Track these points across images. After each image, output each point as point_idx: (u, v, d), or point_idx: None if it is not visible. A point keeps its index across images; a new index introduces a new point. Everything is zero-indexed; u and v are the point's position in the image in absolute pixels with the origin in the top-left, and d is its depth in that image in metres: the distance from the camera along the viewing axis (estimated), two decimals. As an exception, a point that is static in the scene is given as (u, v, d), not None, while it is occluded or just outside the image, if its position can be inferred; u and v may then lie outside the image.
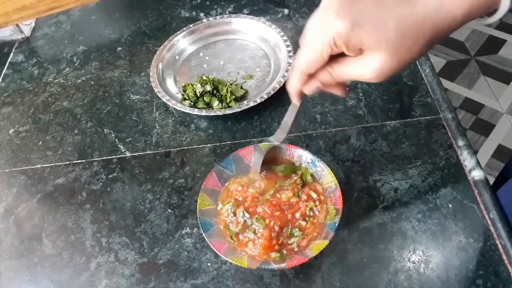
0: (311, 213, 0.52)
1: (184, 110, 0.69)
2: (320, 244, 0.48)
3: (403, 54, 0.38)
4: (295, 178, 0.54)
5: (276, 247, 0.50)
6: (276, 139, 0.55)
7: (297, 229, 0.51)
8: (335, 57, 0.41)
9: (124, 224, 0.60)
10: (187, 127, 0.70)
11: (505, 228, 0.52)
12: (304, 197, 0.53)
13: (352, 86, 0.71)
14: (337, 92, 0.47)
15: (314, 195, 0.53)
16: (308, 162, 0.56)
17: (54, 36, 0.92)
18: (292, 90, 0.46)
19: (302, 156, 0.56)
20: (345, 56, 0.41)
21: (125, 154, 0.68)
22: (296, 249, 0.50)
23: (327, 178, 0.54)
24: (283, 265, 0.48)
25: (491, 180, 0.62)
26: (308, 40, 0.41)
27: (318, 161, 0.55)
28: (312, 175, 0.55)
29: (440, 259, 0.51)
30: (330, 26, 0.38)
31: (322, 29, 0.39)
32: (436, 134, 0.63)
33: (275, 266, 0.48)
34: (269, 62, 0.77)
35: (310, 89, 0.45)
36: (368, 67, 0.39)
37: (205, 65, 0.79)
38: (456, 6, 0.37)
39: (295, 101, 0.48)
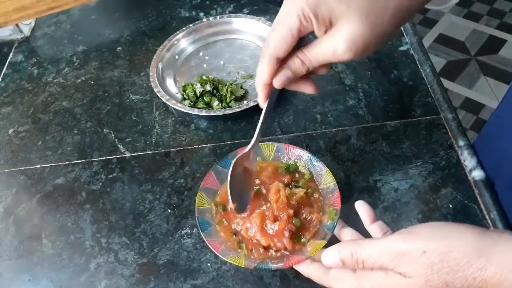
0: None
1: (184, 110, 0.68)
2: (318, 244, 0.48)
3: (374, 20, 0.37)
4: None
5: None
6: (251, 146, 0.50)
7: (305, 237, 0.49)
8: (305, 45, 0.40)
9: (124, 224, 0.59)
10: (187, 127, 0.70)
11: (506, 228, 0.52)
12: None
13: (352, 86, 0.71)
14: (308, 89, 0.44)
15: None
16: (307, 162, 0.55)
17: (53, 36, 0.91)
18: (260, 82, 0.42)
19: (301, 156, 0.56)
20: (315, 40, 0.40)
21: (125, 154, 0.68)
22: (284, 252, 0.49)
23: (326, 178, 0.53)
24: (280, 265, 0.47)
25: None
26: (275, 21, 0.40)
27: (316, 161, 0.55)
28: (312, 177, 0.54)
29: (441, 260, 0.51)
30: None
31: (290, 5, 0.38)
32: (437, 134, 0.63)
33: (272, 266, 0.47)
34: (269, 62, 0.77)
35: (280, 80, 0.42)
36: (340, 39, 0.37)
37: (205, 65, 0.79)
38: None
39: (262, 100, 0.44)
